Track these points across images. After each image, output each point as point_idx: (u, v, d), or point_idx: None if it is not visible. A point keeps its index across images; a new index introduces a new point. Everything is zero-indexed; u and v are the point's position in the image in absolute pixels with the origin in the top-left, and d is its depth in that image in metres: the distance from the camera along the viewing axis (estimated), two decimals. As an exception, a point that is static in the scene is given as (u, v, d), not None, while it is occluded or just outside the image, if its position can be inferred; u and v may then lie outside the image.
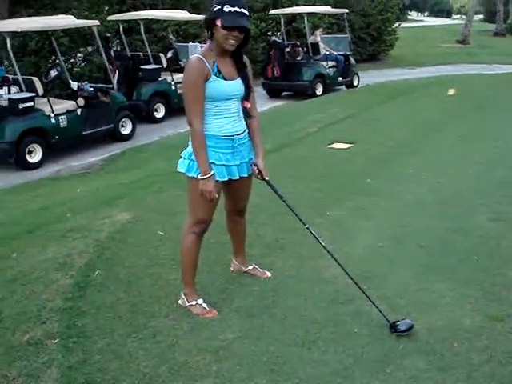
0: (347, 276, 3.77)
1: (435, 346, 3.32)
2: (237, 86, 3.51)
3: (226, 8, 3.29)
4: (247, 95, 3.60)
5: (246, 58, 3.61)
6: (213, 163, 3.49)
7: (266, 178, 3.69)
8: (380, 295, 3.83)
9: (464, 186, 6.31)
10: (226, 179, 3.57)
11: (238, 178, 3.62)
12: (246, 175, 3.68)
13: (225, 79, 3.43)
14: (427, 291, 3.94)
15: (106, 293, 3.99)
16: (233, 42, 3.36)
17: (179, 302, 3.79)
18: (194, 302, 3.71)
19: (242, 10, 3.33)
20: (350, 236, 4.94)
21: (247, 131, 3.67)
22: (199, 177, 3.45)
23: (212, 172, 3.45)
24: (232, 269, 4.26)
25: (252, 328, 3.53)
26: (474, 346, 3.32)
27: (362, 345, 3.33)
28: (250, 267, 4.21)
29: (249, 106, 3.63)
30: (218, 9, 3.30)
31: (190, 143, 3.53)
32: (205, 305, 3.71)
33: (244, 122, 3.64)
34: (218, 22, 3.31)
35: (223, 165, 3.53)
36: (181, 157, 3.63)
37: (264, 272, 4.21)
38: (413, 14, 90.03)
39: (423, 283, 4.06)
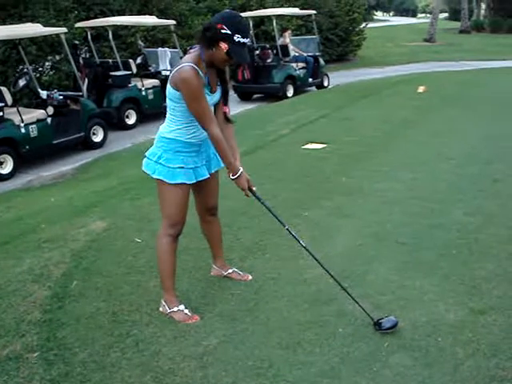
0: (329, 276, 3.76)
1: (420, 342, 3.32)
2: (216, 96, 3.54)
3: (237, 38, 3.24)
4: (225, 100, 3.61)
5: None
6: (182, 167, 3.50)
7: (254, 189, 3.66)
8: (362, 293, 3.82)
9: (440, 182, 6.35)
10: (195, 181, 3.58)
11: (208, 176, 3.65)
12: (212, 171, 3.73)
13: (210, 92, 3.45)
14: (409, 287, 3.95)
15: (85, 303, 3.92)
16: (228, 64, 3.44)
17: (160, 309, 3.74)
18: (175, 309, 3.66)
19: (248, 42, 3.34)
20: (328, 235, 4.93)
21: None
22: (231, 177, 3.52)
23: (241, 170, 3.51)
24: (212, 273, 4.23)
25: (235, 332, 3.49)
26: (459, 340, 3.32)
27: (347, 344, 3.32)
28: (230, 271, 4.17)
29: (227, 110, 3.62)
30: (228, 34, 3.24)
31: (156, 143, 3.55)
32: (186, 310, 3.67)
33: None
34: (223, 46, 3.26)
35: (191, 168, 3.54)
36: (145, 156, 3.60)
37: (244, 274, 4.17)
38: (378, 14, 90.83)
39: (405, 280, 4.06)
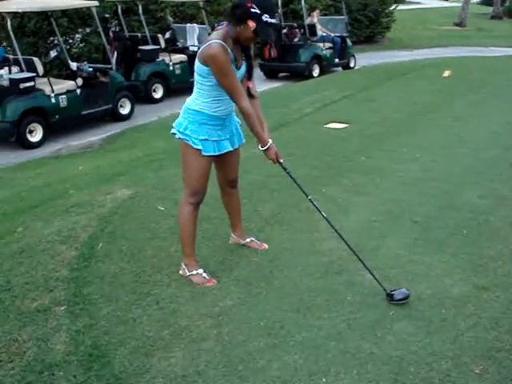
0: (341, 248, 3.95)
1: (424, 312, 3.50)
2: (241, 71, 3.69)
3: (265, 18, 3.40)
4: (250, 75, 3.78)
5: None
6: (206, 140, 3.67)
7: (281, 161, 3.87)
8: (372, 266, 3.97)
9: (457, 165, 6.47)
10: (217, 154, 3.76)
11: (230, 149, 3.82)
12: (236, 146, 3.92)
13: (236, 67, 3.61)
14: (418, 263, 4.12)
15: (109, 263, 4.16)
16: (253, 42, 3.62)
17: (180, 272, 3.96)
18: (194, 272, 3.88)
19: (275, 21, 3.48)
20: (344, 211, 5.11)
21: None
22: (261, 148, 3.74)
23: (270, 142, 3.73)
24: (230, 242, 4.43)
25: (250, 296, 3.71)
26: (461, 312, 3.50)
27: (355, 311, 3.51)
28: (248, 240, 4.38)
29: (251, 85, 3.79)
30: (257, 13, 3.39)
31: (183, 115, 3.72)
32: (205, 274, 3.88)
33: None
34: (251, 24, 3.42)
35: (215, 140, 3.72)
36: (172, 127, 3.78)
37: (261, 244, 4.38)
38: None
39: (414, 255, 4.23)
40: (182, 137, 3.70)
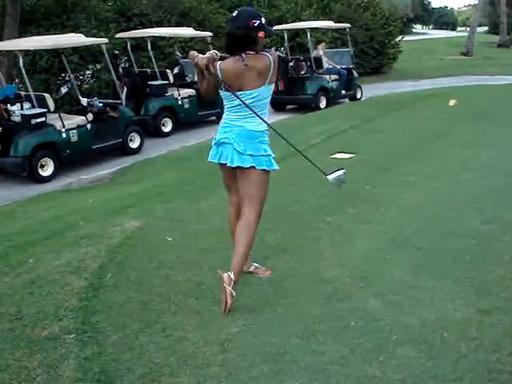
0: (345, 275, 4.03)
1: (426, 336, 3.54)
2: None
3: (263, 20, 3.87)
4: None
5: None
6: (271, 156, 4.07)
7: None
8: (376, 292, 4.07)
9: (461, 192, 6.54)
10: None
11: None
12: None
13: None
14: (421, 288, 4.17)
15: (117, 293, 4.24)
16: None
17: (225, 277, 3.84)
18: (234, 293, 3.87)
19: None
20: (349, 239, 5.18)
21: None
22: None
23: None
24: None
25: (255, 322, 3.77)
26: (463, 336, 3.53)
27: (358, 336, 3.56)
28: (252, 268, 4.47)
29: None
30: (259, 23, 3.83)
31: (251, 139, 3.97)
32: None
33: None
34: (262, 34, 3.84)
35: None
36: (241, 153, 3.95)
37: (266, 269, 4.47)
38: (417, 27, 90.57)
39: (418, 281, 4.29)
40: (265, 162, 3.98)
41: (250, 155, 3.93)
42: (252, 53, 3.85)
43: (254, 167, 3.94)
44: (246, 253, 4.00)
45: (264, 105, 3.99)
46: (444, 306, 3.91)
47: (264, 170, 3.98)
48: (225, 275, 3.85)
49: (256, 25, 3.80)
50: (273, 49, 3.97)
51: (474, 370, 3.20)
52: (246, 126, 3.95)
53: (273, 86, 3.96)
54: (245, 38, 3.82)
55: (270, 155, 4.01)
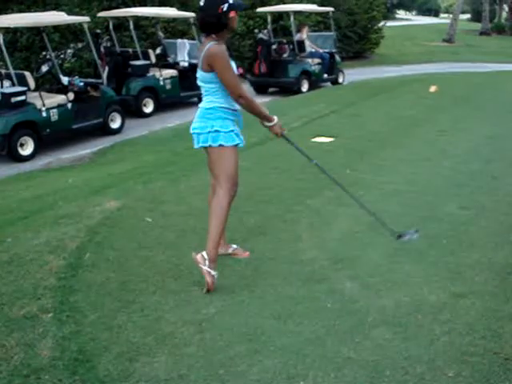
0: (323, 258, 4.08)
1: (401, 319, 3.60)
2: (234, 64, 4.00)
3: (231, 0, 3.84)
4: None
5: None
6: (232, 131, 4.00)
7: (284, 133, 4.25)
8: (352, 274, 4.12)
9: (439, 177, 6.62)
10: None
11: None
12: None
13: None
14: (397, 271, 4.24)
15: (96, 273, 4.25)
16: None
17: (197, 257, 3.94)
18: (212, 272, 3.93)
19: None
20: (327, 222, 5.23)
21: None
22: (267, 124, 4.09)
23: (276, 118, 4.10)
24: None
25: (233, 303, 3.81)
26: (437, 319, 3.60)
27: (334, 318, 3.62)
28: (230, 250, 4.50)
29: (241, 70, 4.13)
30: (228, 5, 3.83)
31: (202, 118, 4.00)
32: (215, 279, 3.96)
33: None
34: (232, 14, 3.86)
35: (238, 132, 4.06)
36: (195, 134, 4.04)
37: (244, 251, 4.51)
38: (401, 13, 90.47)
39: (394, 264, 4.35)
40: (213, 137, 3.95)
41: (199, 134, 4.02)
42: (213, 37, 3.88)
43: (210, 145, 3.98)
44: (217, 233, 4.00)
45: (208, 90, 3.97)
46: (419, 289, 3.97)
47: (221, 145, 3.96)
48: (198, 256, 3.94)
49: (225, 9, 3.82)
50: (213, 44, 3.76)
51: (447, 353, 3.26)
52: (200, 106, 4.08)
53: (211, 75, 3.88)
54: (216, 25, 3.86)
55: (218, 130, 3.95)
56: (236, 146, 4.03)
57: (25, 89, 9.45)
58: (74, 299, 3.86)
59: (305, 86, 15.67)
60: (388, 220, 5.20)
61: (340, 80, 17.24)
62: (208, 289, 3.90)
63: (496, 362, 3.16)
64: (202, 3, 3.90)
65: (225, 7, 3.81)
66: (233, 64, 3.94)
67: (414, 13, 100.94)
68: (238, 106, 4.02)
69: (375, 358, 3.21)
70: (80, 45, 14.71)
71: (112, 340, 3.40)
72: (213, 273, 3.93)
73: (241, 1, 4.01)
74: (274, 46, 15.67)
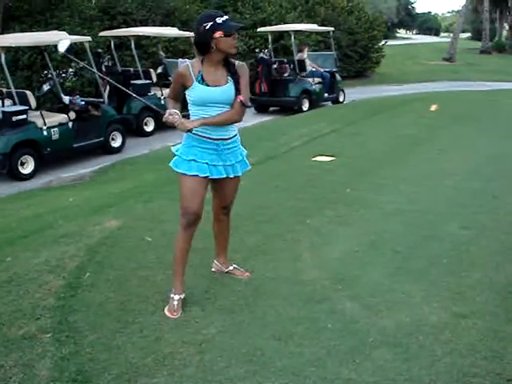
0: (324, 278, 4.05)
1: (402, 339, 3.57)
2: (224, 92, 3.79)
3: (219, 20, 3.65)
4: (237, 90, 3.83)
5: (242, 64, 3.94)
6: (194, 160, 3.83)
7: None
8: (353, 294, 4.10)
9: (440, 197, 6.61)
10: (208, 175, 3.87)
11: (224, 176, 3.95)
12: (232, 176, 4.00)
13: (208, 86, 3.76)
14: (398, 291, 4.21)
15: (96, 293, 4.22)
16: (235, 43, 3.78)
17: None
18: (171, 295, 3.93)
19: (226, 16, 3.73)
20: (327, 241, 5.21)
21: (237, 137, 4.01)
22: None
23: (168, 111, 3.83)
24: (213, 269, 4.52)
25: (233, 324, 3.78)
26: (438, 339, 3.57)
27: (335, 338, 3.59)
28: (231, 268, 4.48)
29: (242, 98, 3.83)
30: (211, 24, 3.63)
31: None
32: (176, 302, 3.91)
33: (232, 129, 3.95)
34: (218, 34, 3.63)
35: (205, 163, 3.86)
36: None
37: (244, 271, 4.47)
38: (401, 32, 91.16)
39: (394, 284, 4.32)
40: (175, 170, 3.91)
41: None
42: (201, 58, 3.80)
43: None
44: (173, 260, 4.07)
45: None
46: (420, 310, 3.95)
47: (177, 172, 3.94)
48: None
49: (208, 27, 3.63)
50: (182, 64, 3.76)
51: (449, 373, 3.23)
52: None
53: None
54: (199, 44, 3.75)
55: (175, 154, 3.96)
56: (191, 175, 3.84)
57: (26, 108, 9.51)
58: (74, 319, 3.84)
59: (305, 105, 15.75)
60: (389, 239, 5.23)
61: (341, 99, 17.33)
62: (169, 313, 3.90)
63: (498, 383, 3.13)
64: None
65: (208, 26, 3.62)
66: (231, 85, 3.81)
67: (414, 32, 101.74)
68: (225, 134, 3.88)
69: (376, 379, 3.19)
70: (81, 64, 14.76)
71: (111, 361, 3.37)
72: (171, 295, 3.94)
73: (234, 23, 3.80)
74: (274, 66, 15.79)
